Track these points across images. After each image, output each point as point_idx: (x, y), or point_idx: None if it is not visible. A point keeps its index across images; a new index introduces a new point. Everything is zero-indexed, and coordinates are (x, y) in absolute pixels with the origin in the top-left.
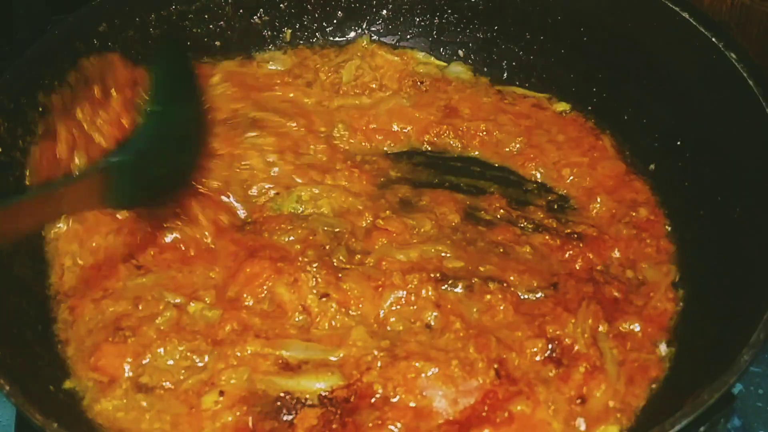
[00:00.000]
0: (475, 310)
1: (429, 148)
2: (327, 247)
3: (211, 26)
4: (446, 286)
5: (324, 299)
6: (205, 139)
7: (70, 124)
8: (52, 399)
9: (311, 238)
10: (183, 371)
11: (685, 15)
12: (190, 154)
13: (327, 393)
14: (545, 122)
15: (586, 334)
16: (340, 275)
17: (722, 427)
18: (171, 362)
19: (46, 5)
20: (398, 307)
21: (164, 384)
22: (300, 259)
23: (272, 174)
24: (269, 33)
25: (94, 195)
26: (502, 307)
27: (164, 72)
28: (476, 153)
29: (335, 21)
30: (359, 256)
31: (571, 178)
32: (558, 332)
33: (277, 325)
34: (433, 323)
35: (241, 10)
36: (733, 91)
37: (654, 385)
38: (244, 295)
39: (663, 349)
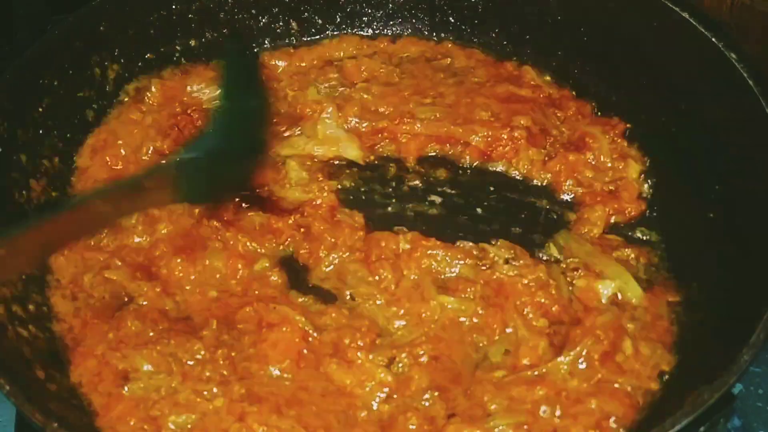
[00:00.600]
0: None
1: None
2: None
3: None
4: None
5: None
6: (268, 136)
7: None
8: (52, 399)
9: None
10: None
11: (685, 15)
12: (255, 150)
13: None
14: None
15: None
16: None
17: (722, 427)
18: None
19: (46, 5)
20: None
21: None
22: None
23: None
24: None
25: (166, 191)
26: None
27: (232, 67)
28: None
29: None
30: None
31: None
32: None
33: None
34: None
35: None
36: (733, 91)
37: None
38: None
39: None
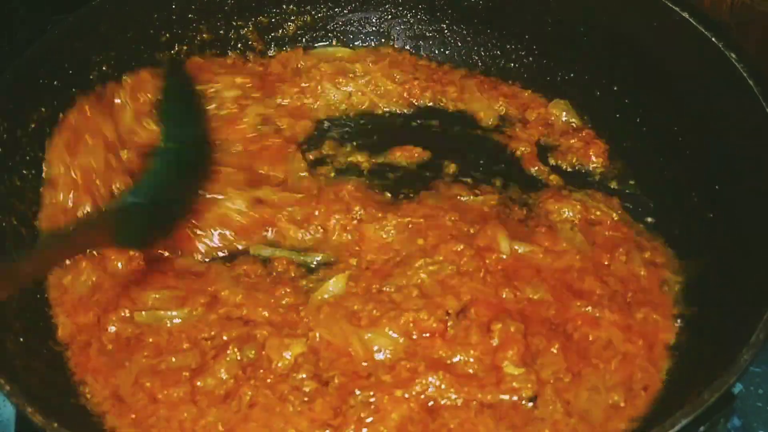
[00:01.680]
0: None
1: None
2: None
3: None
4: None
5: None
6: (210, 171)
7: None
8: (52, 397)
9: None
10: None
11: (685, 15)
12: (196, 188)
13: None
14: None
15: None
16: None
17: (722, 427)
18: None
19: (46, 5)
20: None
21: None
22: None
23: None
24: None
25: (105, 237)
26: None
27: (174, 108)
28: None
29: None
30: None
31: None
32: None
33: None
34: None
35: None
36: (733, 91)
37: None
38: None
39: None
